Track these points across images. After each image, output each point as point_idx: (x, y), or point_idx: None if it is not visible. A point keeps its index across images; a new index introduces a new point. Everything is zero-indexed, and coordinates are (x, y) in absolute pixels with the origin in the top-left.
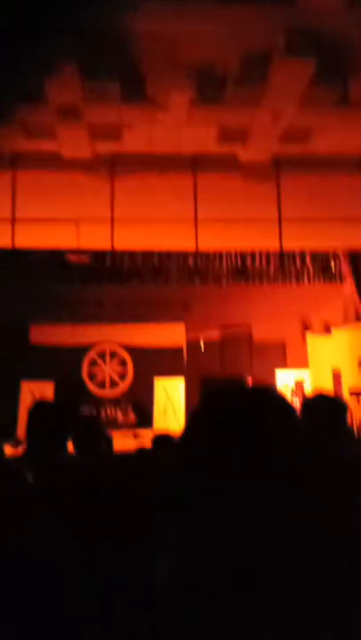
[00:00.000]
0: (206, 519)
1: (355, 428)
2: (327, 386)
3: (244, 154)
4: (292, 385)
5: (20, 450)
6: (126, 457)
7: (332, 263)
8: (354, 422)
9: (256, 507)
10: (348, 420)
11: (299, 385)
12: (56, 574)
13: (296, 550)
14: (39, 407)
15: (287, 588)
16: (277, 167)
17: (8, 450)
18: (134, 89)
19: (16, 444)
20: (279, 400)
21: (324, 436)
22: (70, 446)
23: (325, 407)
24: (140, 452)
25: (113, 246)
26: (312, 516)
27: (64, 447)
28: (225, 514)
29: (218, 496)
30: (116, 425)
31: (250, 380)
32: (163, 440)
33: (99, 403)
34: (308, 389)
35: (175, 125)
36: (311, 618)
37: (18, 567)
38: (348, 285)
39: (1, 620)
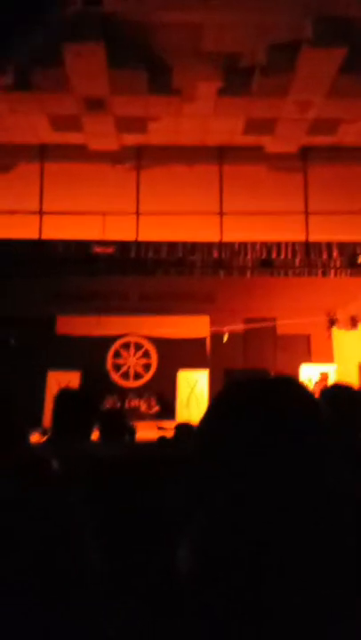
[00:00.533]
0: (223, 504)
1: None
2: (353, 381)
3: (271, 145)
4: (316, 379)
5: (46, 437)
6: (148, 445)
7: (360, 256)
8: None
9: (274, 489)
10: None
11: (323, 379)
12: (79, 559)
13: (315, 532)
14: (64, 394)
15: (308, 568)
16: (304, 158)
17: (36, 438)
18: (161, 80)
19: (43, 432)
20: (300, 389)
21: (347, 425)
22: (95, 436)
23: (345, 397)
24: (161, 440)
25: (138, 238)
26: (331, 499)
27: (88, 435)
28: (242, 499)
29: (233, 482)
30: (139, 416)
31: (273, 374)
32: (184, 429)
33: (122, 393)
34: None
35: (202, 116)
36: (335, 591)
37: (40, 552)
38: None
39: (21, 606)
